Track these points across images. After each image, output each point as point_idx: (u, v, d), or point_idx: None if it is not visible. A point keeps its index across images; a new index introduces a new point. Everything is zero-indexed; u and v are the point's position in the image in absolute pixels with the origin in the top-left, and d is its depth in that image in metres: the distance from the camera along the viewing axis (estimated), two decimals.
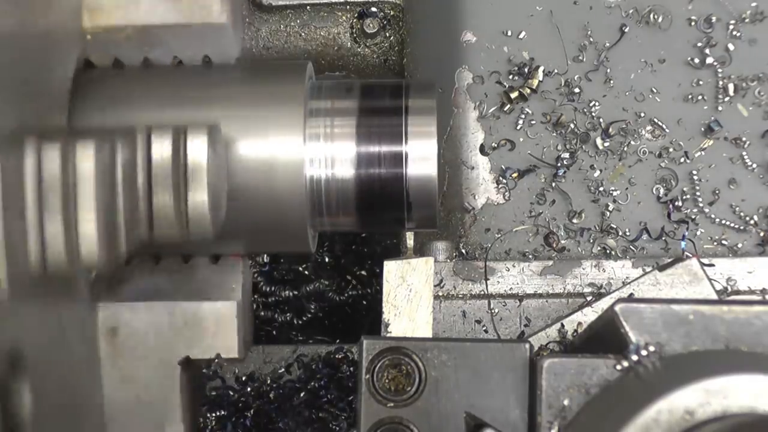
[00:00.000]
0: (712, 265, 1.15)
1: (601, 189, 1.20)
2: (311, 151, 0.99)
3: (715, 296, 1.07)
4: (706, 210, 1.19)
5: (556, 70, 1.22)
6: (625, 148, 1.20)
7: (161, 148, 0.88)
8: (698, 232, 1.19)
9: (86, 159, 0.79)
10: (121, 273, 1.06)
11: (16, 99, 0.79)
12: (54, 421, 0.86)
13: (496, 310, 1.16)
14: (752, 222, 1.19)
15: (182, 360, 1.03)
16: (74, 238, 0.78)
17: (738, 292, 1.16)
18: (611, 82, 1.21)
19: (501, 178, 1.21)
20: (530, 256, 1.19)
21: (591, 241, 1.19)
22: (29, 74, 0.84)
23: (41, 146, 0.77)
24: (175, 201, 0.87)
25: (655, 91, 1.21)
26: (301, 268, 1.39)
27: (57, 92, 0.92)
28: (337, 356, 1.25)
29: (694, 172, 1.19)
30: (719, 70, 1.20)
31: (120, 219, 0.83)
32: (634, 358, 0.84)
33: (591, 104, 1.21)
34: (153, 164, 0.88)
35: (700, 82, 1.21)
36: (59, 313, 0.89)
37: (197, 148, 0.89)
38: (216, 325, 1.04)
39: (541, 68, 1.21)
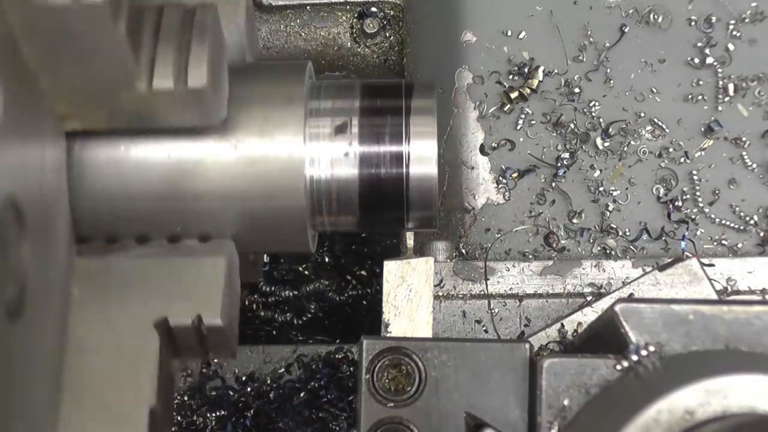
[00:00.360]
0: (712, 265, 1.15)
1: (601, 189, 1.20)
2: (311, 151, 0.99)
3: (715, 296, 1.07)
4: (706, 210, 1.19)
5: (556, 70, 1.22)
6: (625, 148, 1.20)
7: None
8: (698, 232, 1.19)
9: None
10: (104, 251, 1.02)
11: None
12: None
13: (496, 310, 1.16)
14: (752, 222, 1.19)
15: (159, 322, 0.93)
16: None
17: (738, 292, 1.16)
18: (611, 82, 1.21)
19: (501, 178, 1.21)
20: (530, 256, 1.19)
21: (591, 241, 1.19)
22: None
23: None
24: (176, 53, 0.85)
25: (655, 91, 1.21)
26: (301, 268, 1.39)
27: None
28: (337, 356, 1.25)
29: (694, 172, 1.20)
30: (719, 70, 1.20)
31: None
32: (634, 358, 0.84)
33: (591, 104, 1.21)
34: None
35: (700, 82, 1.21)
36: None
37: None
38: (199, 281, 0.94)
39: (541, 68, 1.21)
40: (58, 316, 0.88)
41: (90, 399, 0.86)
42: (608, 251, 1.19)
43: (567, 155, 1.20)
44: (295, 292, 1.38)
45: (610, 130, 1.20)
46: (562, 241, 1.19)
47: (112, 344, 0.90)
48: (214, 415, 1.23)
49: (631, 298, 1.06)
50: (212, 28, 0.87)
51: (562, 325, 1.07)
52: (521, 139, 1.22)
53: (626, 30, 1.22)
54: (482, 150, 1.22)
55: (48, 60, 0.81)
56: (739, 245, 1.19)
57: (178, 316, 0.92)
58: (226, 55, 0.94)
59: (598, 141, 1.20)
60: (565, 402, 0.84)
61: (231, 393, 1.24)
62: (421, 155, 1.00)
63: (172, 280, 0.94)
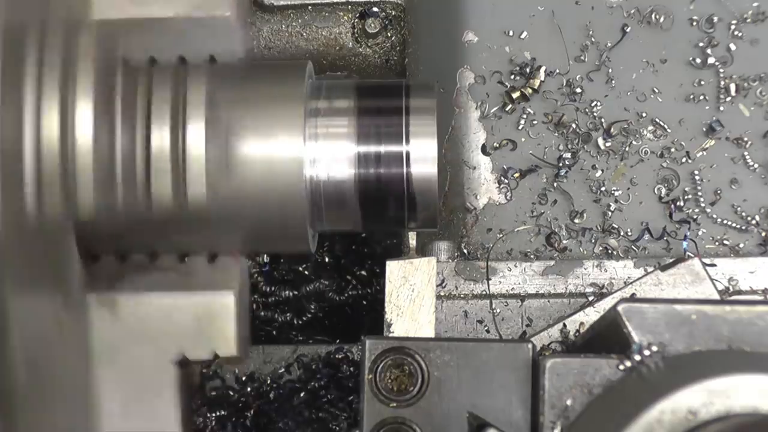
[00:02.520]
0: (713, 265, 1.15)
1: (603, 189, 1.20)
2: (311, 151, 0.99)
3: (717, 296, 1.07)
4: (708, 210, 1.19)
5: (557, 70, 1.22)
6: (627, 148, 1.20)
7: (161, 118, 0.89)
8: (700, 232, 1.19)
9: (87, 94, 0.80)
10: (114, 268, 1.06)
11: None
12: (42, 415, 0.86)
13: (498, 310, 1.16)
14: (754, 222, 1.19)
15: (179, 360, 1.02)
16: (71, 183, 0.80)
17: (740, 292, 1.16)
18: (613, 82, 1.21)
19: (503, 178, 1.21)
20: (532, 256, 1.19)
21: (593, 241, 1.19)
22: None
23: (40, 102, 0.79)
24: (172, 151, 0.87)
25: (656, 91, 1.21)
26: (301, 268, 1.39)
27: None
28: (337, 356, 1.25)
29: (696, 172, 1.19)
30: (721, 70, 1.20)
31: (117, 161, 0.84)
32: (637, 358, 0.84)
33: (593, 104, 1.21)
34: (151, 113, 0.89)
35: (702, 82, 1.21)
36: (52, 302, 0.89)
37: (195, 134, 0.90)
38: (212, 318, 1.03)
39: (543, 68, 1.21)
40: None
41: None
42: (610, 251, 1.19)
43: (569, 155, 1.20)
44: (295, 292, 1.38)
45: (612, 130, 1.20)
46: (564, 241, 1.19)
47: (133, 382, 0.98)
48: (214, 415, 1.23)
49: (633, 298, 1.06)
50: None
51: (564, 325, 1.07)
52: (523, 139, 1.21)
53: (628, 30, 1.21)
54: (484, 150, 1.21)
55: None
56: (741, 245, 1.19)
57: (196, 354, 1.00)
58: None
59: (600, 141, 1.20)
60: (568, 402, 0.84)
61: (231, 393, 1.24)
62: (421, 155, 1.00)
63: (187, 318, 1.01)
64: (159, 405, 1.00)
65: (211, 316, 1.02)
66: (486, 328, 1.16)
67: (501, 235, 1.20)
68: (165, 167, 0.88)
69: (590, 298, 1.15)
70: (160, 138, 0.88)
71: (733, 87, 1.20)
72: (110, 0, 1.00)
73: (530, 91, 1.21)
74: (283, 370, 1.24)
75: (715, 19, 1.21)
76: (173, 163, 0.88)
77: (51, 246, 0.90)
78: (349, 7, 1.26)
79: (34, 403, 0.84)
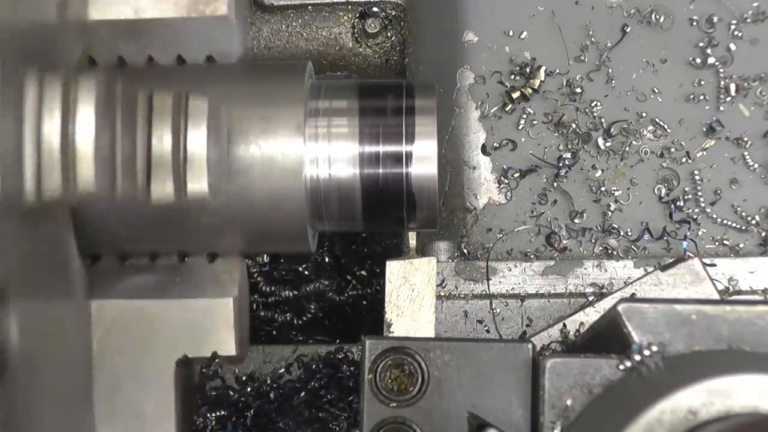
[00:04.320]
0: (713, 265, 1.15)
1: (603, 189, 1.20)
2: (311, 151, 0.99)
3: (717, 296, 1.07)
4: (708, 210, 1.19)
5: (557, 70, 1.22)
6: (627, 148, 1.20)
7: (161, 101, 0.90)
8: (700, 232, 1.19)
9: (88, 90, 0.81)
10: (116, 270, 1.06)
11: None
12: (42, 417, 0.86)
13: (498, 310, 1.16)
14: (754, 222, 1.19)
15: (180, 359, 1.02)
16: (71, 164, 0.80)
17: (740, 292, 1.16)
18: (613, 82, 1.21)
19: (503, 178, 1.21)
20: (532, 256, 1.19)
21: (593, 241, 1.19)
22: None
23: (43, 79, 0.80)
24: (173, 148, 0.88)
25: (656, 91, 1.21)
26: (301, 268, 1.39)
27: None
28: (337, 356, 1.25)
29: (696, 172, 1.19)
30: (721, 70, 1.20)
31: (117, 154, 0.84)
32: (637, 358, 0.84)
33: (592, 104, 1.21)
34: (153, 110, 0.90)
35: (702, 82, 1.21)
36: (53, 306, 0.89)
37: (196, 134, 0.90)
38: (212, 322, 1.04)
39: (543, 68, 1.21)
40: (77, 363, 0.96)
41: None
42: (610, 251, 1.19)
43: (569, 155, 1.20)
44: (295, 292, 1.38)
45: (612, 130, 1.20)
46: (564, 241, 1.19)
47: (136, 385, 1.00)
48: (214, 415, 1.22)
49: (633, 298, 1.06)
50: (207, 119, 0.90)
51: (564, 325, 1.07)
52: (523, 139, 1.21)
53: (628, 30, 1.21)
54: (484, 150, 1.22)
55: None
56: (741, 245, 1.19)
57: (196, 354, 1.02)
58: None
59: (600, 141, 1.20)
60: (568, 402, 0.84)
61: (231, 393, 1.24)
62: (421, 155, 1.00)
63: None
64: (157, 407, 1.01)
65: (211, 321, 1.03)
66: (486, 328, 1.16)
67: (501, 235, 1.20)
68: (166, 167, 0.88)
69: (590, 298, 1.15)
70: (161, 138, 0.88)
71: (733, 87, 1.20)
72: (107, 1, 1.00)
73: (530, 91, 1.21)
74: (283, 370, 1.24)
75: (715, 19, 1.21)
76: (174, 163, 0.88)
77: (51, 243, 0.90)
78: (349, 7, 1.27)
79: (31, 405, 0.84)
